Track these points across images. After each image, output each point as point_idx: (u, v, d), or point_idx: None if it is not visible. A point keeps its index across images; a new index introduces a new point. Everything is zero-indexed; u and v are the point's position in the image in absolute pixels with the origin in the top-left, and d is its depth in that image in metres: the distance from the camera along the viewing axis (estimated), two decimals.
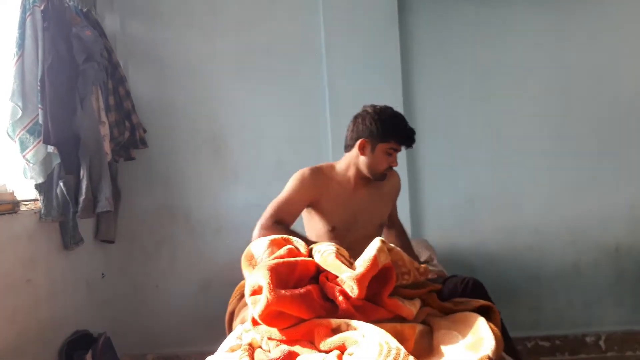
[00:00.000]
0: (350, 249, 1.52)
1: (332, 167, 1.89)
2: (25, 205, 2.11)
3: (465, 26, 2.74)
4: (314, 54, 2.73)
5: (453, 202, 2.74)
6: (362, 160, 1.79)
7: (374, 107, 1.82)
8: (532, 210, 2.73)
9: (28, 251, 2.01)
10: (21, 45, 2.01)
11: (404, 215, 2.61)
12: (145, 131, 2.64)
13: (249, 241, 2.69)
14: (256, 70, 2.75)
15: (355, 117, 1.84)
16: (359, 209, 1.87)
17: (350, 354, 1.07)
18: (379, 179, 1.84)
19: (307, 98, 2.75)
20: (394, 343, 1.05)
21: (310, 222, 1.91)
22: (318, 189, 1.82)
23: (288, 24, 2.76)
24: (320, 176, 1.84)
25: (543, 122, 2.74)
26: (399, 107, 2.64)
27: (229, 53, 2.76)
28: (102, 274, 2.62)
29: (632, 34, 2.73)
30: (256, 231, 1.76)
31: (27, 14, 2.02)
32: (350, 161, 1.83)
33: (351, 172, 1.83)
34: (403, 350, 1.02)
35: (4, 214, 1.92)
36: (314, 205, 1.85)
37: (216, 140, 2.76)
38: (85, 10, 2.39)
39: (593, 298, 2.73)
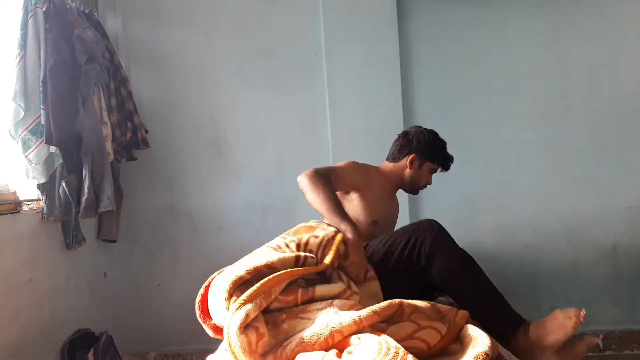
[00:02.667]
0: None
1: (376, 168, 1.98)
2: (28, 205, 2.12)
3: (463, 27, 2.76)
4: (314, 54, 2.74)
5: (451, 201, 2.75)
6: (408, 173, 1.95)
7: (425, 128, 2.00)
8: (530, 210, 2.74)
9: (30, 251, 2.02)
10: (23, 46, 2.02)
11: (402, 214, 2.62)
12: (147, 131, 2.65)
13: (250, 240, 2.72)
14: (257, 71, 2.77)
15: (407, 134, 2.00)
16: (390, 212, 2.00)
17: (349, 352, 1.09)
18: (413, 192, 2.02)
19: (307, 98, 2.77)
20: (393, 342, 1.06)
21: (352, 212, 1.86)
22: (366, 177, 1.89)
23: (288, 24, 2.78)
24: (368, 168, 1.93)
25: (541, 122, 2.75)
26: (398, 108, 2.69)
27: (230, 54, 2.78)
28: (104, 273, 2.63)
29: (631, 34, 2.74)
30: (305, 179, 1.67)
31: (29, 15, 2.03)
32: (395, 171, 1.97)
33: (392, 179, 1.96)
34: (402, 349, 1.03)
35: (6, 213, 1.94)
36: (360, 191, 1.86)
37: (217, 140, 2.78)
38: (87, 11, 2.41)
39: (591, 297, 2.74)
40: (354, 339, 1.11)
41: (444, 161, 1.98)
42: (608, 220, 2.73)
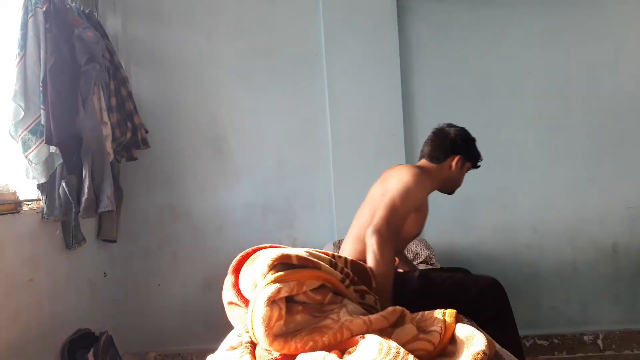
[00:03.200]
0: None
1: (426, 174, 1.82)
2: (28, 205, 2.12)
3: (464, 27, 2.76)
4: (314, 54, 2.74)
5: (451, 201, 2.73)
6: (451, 174, 1.87)
7: (460, 127, 1.91)
8: (530, 210, 2.75)
9: (30, 251, 2.02)
10: (23, 46, 2.02)
11: None
12: (147, 131, 2.65)
13: (250, 240, 2.73)
14: (257, 71, 2.77)
15: (446, 133, 1.88)
16: None
17: (349, 352, 1.09)
18: (451, 193, 1.96)
19: (307, 98, 2.77)
20: (394, 343, 1.06)
21: (408, 227, 1.81)
22: (427, 193, 1.83)
23: (288, 25, 2.78)
24: (427, 179, 1.81)
25: (541, 122, 2.75)
26: (397, 108, 2.69)
27: (230, 54, 2.78)
28: (104, 273, 2.63)
29: (631, 34, 2.75)
30: (376, 245, 1.59)
31: (29, 15, 2.03)
32: (439, 173, 1.87)
33: (434, 182, 1.86)
34: (402, 350, 1.03)
35: (6, 213, 1.93)
36: (420, 210, 1.83)
37: (217, 140, 2.78)
38: (87, 11, 2.41)
39: (591, 297, 2.74)
40: (359, 338, 1.11)
41: (478, 160, 1.93)
42: (608, 220, 2.73)
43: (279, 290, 1.16)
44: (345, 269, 1.43)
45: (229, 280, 1.35)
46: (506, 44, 2.77)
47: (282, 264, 1.24)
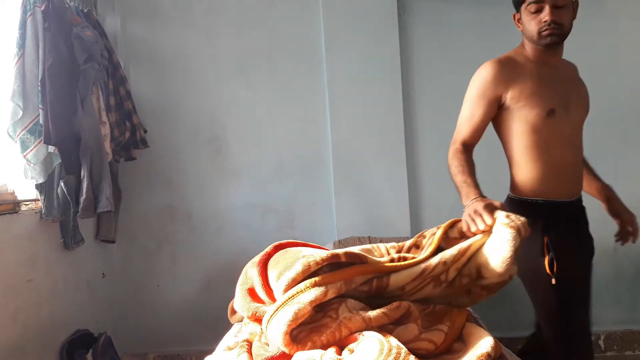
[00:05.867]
0: (570, 138, 1.79)
1: (519, 51, 1.81)
2: (26, 205, 2.12)
3: (464, 27, 2.75)
4: (314, 54, 2.74)
5: (452, 201, 2.71)
6: (525, 33, 1.77)
7: None
8: None
9: (29, 251, 2.01)
10: (22, 45, 2.01)
11: (403, 213, 2.62)
12: (145, 131, 2.64)
13: (249, 240, 2.73)
14: (256, 71, 2.76)
15: None
16: (565, 86, 1.81)
17: (350, 350, 1.08)
18: (545, 44, 1.72)
19: (307, 98, 2.76)
20: (395, 342, 1.05)
21: (513, 123, 1.78)
22: (505, 80, 1.72)
23: (288, 24, 2.77)
24: (505, 63, 1.75)
25: None
26: (398, 107, 2.68)
27: (230, 53, 2.77)
28: (103, 273, 2.63)
29: (630, 34, 2.74)
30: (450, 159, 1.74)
31: (28, 14, 2.03)
32: (523, 40, 1.82)
33: (527, 50, 1.79)
34: (404, 349, 1.02)
35: (4, 214, 1.93)
36: (512, 99, 1.71)
37: (217, 140, 2.77)
38: (85, 10, 2.40)
39: (592, 297, 2.73)
40: (359, 335, 1.10)
41: None
42: (609, 221, 2.71)
43: (325, 293, 1.12)
44: (388, 245, 1.40)
45: (255, 269, 1.30)
46: (507, 44, 2.75)
47: (329, 265, 1.19)
